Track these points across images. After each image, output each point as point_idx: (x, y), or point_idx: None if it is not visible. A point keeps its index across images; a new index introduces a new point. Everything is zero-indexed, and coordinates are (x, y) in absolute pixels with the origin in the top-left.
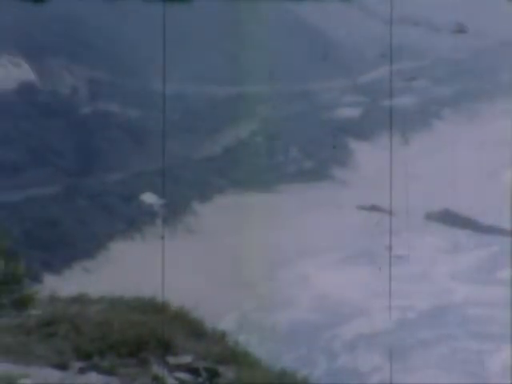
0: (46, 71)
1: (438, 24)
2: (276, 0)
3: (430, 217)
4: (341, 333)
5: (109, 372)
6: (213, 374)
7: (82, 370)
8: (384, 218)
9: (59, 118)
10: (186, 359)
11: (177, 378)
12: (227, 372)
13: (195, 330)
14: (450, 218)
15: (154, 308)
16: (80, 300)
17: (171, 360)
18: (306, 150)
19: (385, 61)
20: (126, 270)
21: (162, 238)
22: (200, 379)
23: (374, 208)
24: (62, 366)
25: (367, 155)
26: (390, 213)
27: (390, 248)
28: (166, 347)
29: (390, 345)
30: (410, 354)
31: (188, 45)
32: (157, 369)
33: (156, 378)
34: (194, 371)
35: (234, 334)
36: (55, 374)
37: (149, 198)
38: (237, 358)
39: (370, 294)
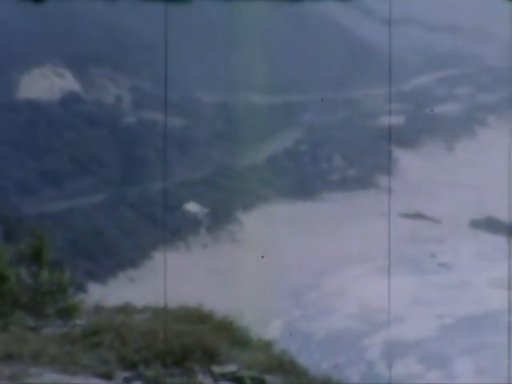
0: (90, 81)
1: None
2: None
3: (475, 224)
4: (380, 340)
5: (154, 382)
6: (259, 383)
7: (127, 380)
8: (428, 225)
9: (103, 127)
10: (232, 368)
11: None
12: (273, 381)
13: (240, 338)
14: (494, 226)
15: (199, 317)
16: (125, 309)
17: (216, 369)
18: (350, 158)
19: (428, 68)
20: (170, 279)
21: (206, 247)
22: None
23: (418, 216)
24: (107, 376)
25: (411, 163)
26: (434, 221)
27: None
28: (211, 356)
29: (425, 352)
30: (450, 361)
31: (232, 54)
32: (202, 378)
33: None
34: (239, 380)
35: (278, 343)
36: None
37: (193, 207)
38: (283, 366)
39: (413, 301)
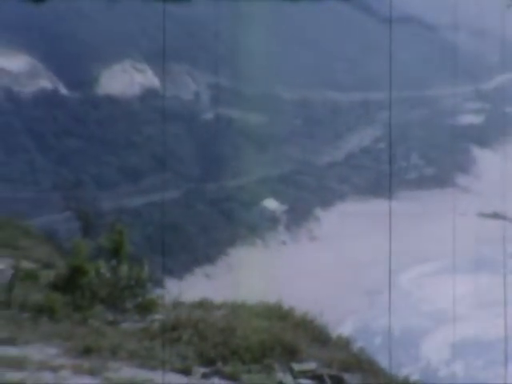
0: (169, 77)
1: None
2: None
3: None
4: (452, 339)
5: (232, 378)
6: (337, 382)
7: (205, 376)
8: (506, 225)
9: (181, 123)
10: (311, 366)
11: None
12: (352, 379)
13: (319, 336)
14: None
15: (278, 314)
16: (203, 305)
17: (296, 367)
18: (428, 157)
19: (509, 67)
20: (248, 276)
21: (284, 243)
22: None
23: (495, 215)
24: (185, 372)
25: (490, 162)
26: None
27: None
28: (290, 353)
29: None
30: None
31: (312, 51)
32: (281, 375)
33: None
34: (318, 378)
35: (354, 341)
36: (179, 379)
37: (271, 203)
38: (361, 365)
39: (488, 301)
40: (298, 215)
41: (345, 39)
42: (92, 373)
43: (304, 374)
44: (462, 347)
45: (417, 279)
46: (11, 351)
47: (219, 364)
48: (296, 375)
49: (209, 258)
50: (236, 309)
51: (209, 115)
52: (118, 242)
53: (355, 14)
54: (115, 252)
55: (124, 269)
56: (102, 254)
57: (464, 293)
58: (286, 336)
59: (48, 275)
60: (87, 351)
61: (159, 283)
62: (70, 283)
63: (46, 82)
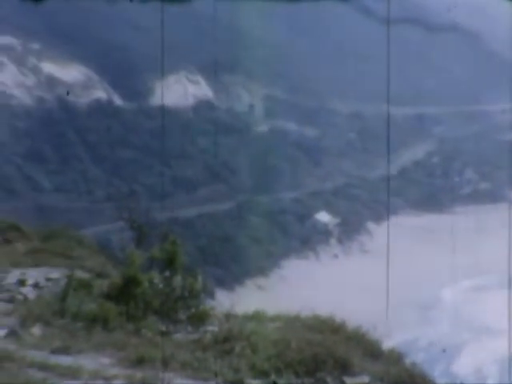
0: (223, 88)
1: None
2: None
3: None
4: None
5: None
6: None
7: None
8: None
9: (235, 135)
10: (364, 380)
11: None
12: None
13: (372, 350)
14: None
15: (330, 327)
16: (256, 317)
17: (348, 380)
18: (482, 171)
19: None
20: (300, 289)
21: (336, 256)
22: None
23: None
24: None
25: None
26: None
27: None
28: (343, 367)
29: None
30: None
31: (366, 64)
32: None
33: None
34: None
35: (407, 355)
36: None
37: (323, 216)
38: (414, 379)
39: None
40: (350, 228)
41: (398, 53)
42: (145, 383)
43: None
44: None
45: (468, 294)
46: (65, 360)
47: (273, 376)
48: None
49: (261, 270)
50: (289, 321)
51: (263, 127)
52: (172, 252)
53: (405, 27)
54: (169, 263)
55: (177, 279)
56: (155, 264)
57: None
58: (339, 349)
59: (101, 285)
60: (140, 361)
61: (211, 295)
62: (124, 293)
63: (100, 93)
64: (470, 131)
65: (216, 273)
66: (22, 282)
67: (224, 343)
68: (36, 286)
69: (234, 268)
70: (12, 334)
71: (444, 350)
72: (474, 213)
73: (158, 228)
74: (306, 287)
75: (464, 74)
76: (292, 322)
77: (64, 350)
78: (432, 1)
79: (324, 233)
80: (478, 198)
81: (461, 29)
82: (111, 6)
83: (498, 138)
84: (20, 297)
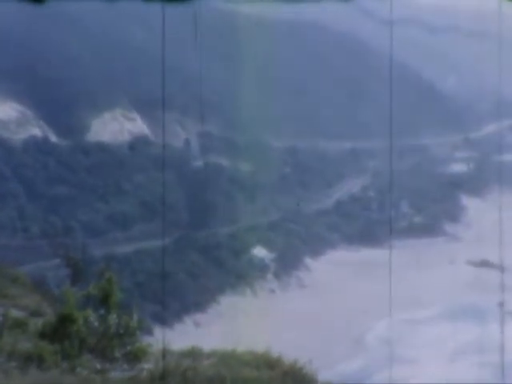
0: (159, 124)
1: None
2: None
3: None
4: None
5: None
6: None
7: None
8: (496, 273)
9: (171, 171)
10: None
11: None
12: None
13: None
14: None
15: (267, 363)
16: (192, 354)
17: None
18: (418, 205)
19: (496, 116)
20: (237, 324)
21: (273, 291)
22: None
23: (484, 263)
24: None
25: (479, 211)
26: (502, 269)
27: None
28: None
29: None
30: None
31: (300, 99)
32: None
33: None
34: None
35: None
36: None
37: (260, 251)
38: None
39: (477, 349)
40: (287, 263)
41: (333, 86)
42: None
43: None
44: None
45: (404, 327)
46: None
47: None
48: None
49: (199, 306)
50: (225, 357)
51: (199, 163)
52: (107, 290)
53: (342, 60)
54: (104, 300)
55: (113, 317)
56: (91, 302)
57: (448, 340)
58: None
59: (37, 323)
60: None
61: (148, 331)
62: (59, 331)
63: (35, 130)
64: (405, 165)
65: (154, 309)
66: None
67: (160, 380)
68: None
69: (172, 304)
70: None
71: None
72: (410, 246)
73: (94, 265)
74: (243, 323)
75: (400, 107)
76: (228, 358)
77: None
78: (370, 34)
79: (261, 268)
80: (413, 231)
81: (397, 62)
82: (46, 41)
83: (433, 171)
84: None
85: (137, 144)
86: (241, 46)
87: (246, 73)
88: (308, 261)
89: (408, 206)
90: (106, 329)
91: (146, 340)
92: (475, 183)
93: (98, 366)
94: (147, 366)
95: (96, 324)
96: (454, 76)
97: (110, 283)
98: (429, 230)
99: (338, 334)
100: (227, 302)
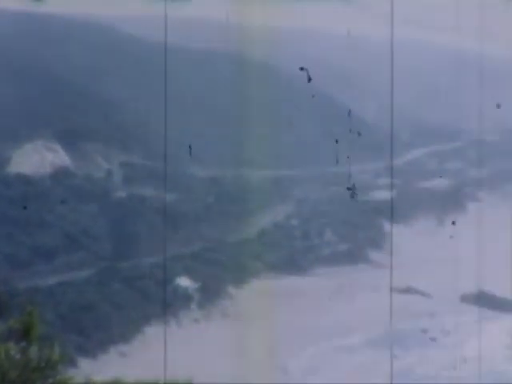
0: (81, 156)
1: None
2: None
3: (466, 299)
4: None
5: None
6: None
7: None
8: (419, 300)
9: (94, 201)
10: None
11: None
12: None
13: None
14: (486, 300)
15: None
16: None
17: None
18: (341, 233)
19: (419, 143)
20: (161, 354)
21: (196, 321)
22: None
23: (409, 290)
24: None
25: (402, 237)
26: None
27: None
28: None
29: None
30: None
31: (221, 128)
32: None
33: None
34: None
35: None
36: None
37: (184, 281)
38: None
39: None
40: (211, 293)
41: (256, 117)
42: None
43: None
44: None
45: (329, 354)
46: None
47: None
48: None
49: (123, 337)
50: None
51: (121, 193)
52: (29, 323)
53: (268, 90)
54: (26, 333)
55: (34, 350)
56: (13, 335)
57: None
58: None
59: None
60: None
61: (72, 363)
62: None
63: None
64: (328, 193)
65: (78, 340)
66: None
67: None
68: None
69: (96, 335)
70: None
71: None
72: (335, 274)
73: (18, 297)
74: (167, 352)
75: (321, 136)
76: None
77: None
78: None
79: (185, 298)
80: (337, 259)
81: (318, 89)
82: None
83: (356, 198)
84: None
85: (59, 175)
86: (165, 75)
87: (169, 102)
88: (231, 290)
89: (331, 234)
90: (27, 362)
91: (70, 372)
92: (398, 210)
93: None
94: None
95: (17, 357)
96: (374, 102)
97: (31, 316)
98: (352, 257)
99: (260, 363)
100: (152, 332)
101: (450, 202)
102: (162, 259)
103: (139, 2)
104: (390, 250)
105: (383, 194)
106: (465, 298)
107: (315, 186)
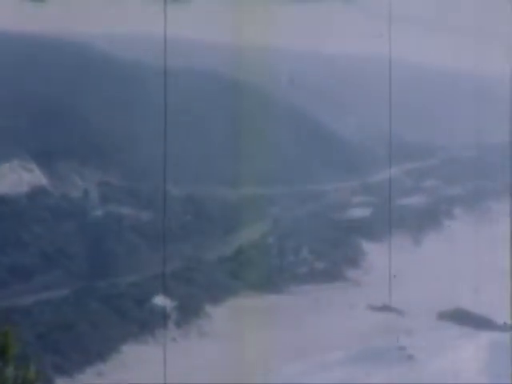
0: (58, 175)
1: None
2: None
3: (443, 316)
4: None
5: None
6: None
7: None
8: (396, 318)
9: (70, 221)
10: None
11: None
12: None
13: None
14: (462, 317)
15: None
16: None
17: None
18: (318, 251)
19: (394, 160)
20: (139, 373)
21: (174, 340)
22: None
23: (385, 308)
24: None
25: (378, 255)
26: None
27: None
28: None
29: None
30: None
31: (200, 146)
32: None
33: None
34: None
35: None
36: None
37: (161, 300)
38: None
39: None
40: (188, 311)
41: (233, 135)
42: None
43: None
44: None
45: (301, 373)
46: None
47: None
48: None
49: (100, 356)
50: None
51: (98, 212)
52: (5, 343)
53: (244, 107)
54: (1, 353)
55: (10, 371)
56: None
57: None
58: None
59: None
60: None
61: (50, 382)
62: None
63: None
64: (304, 211)
65: (55, 360)
66: None
67: None
68: None
69: (73, 355)
70: None
71: None
72: (311, 292)
73: None
74: (145, 371)
75: (297, 154)
76: None
77: None
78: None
79: (162, 317)
80: (314, 277)
81: (293, 107)
82: None
83: (331, 216)
84: None
85: (35, 195)
86: (140, 94)
87: (145, 121)
88: (209, 308)
89: (308, 252)
90: (3, 381)
91: None
92: (374, 228)
93: None
94: None
95: None
96: (351, 119)
97: (7, 336)
98: (329, 275)
99: (238, 381)
100: (129, 351)
101: (426, 219)
102: (140, 278)
103: (129, 19)
104: (366, 268)
105: (359, 212)
106: (441, 316)
107: (292, 204)
